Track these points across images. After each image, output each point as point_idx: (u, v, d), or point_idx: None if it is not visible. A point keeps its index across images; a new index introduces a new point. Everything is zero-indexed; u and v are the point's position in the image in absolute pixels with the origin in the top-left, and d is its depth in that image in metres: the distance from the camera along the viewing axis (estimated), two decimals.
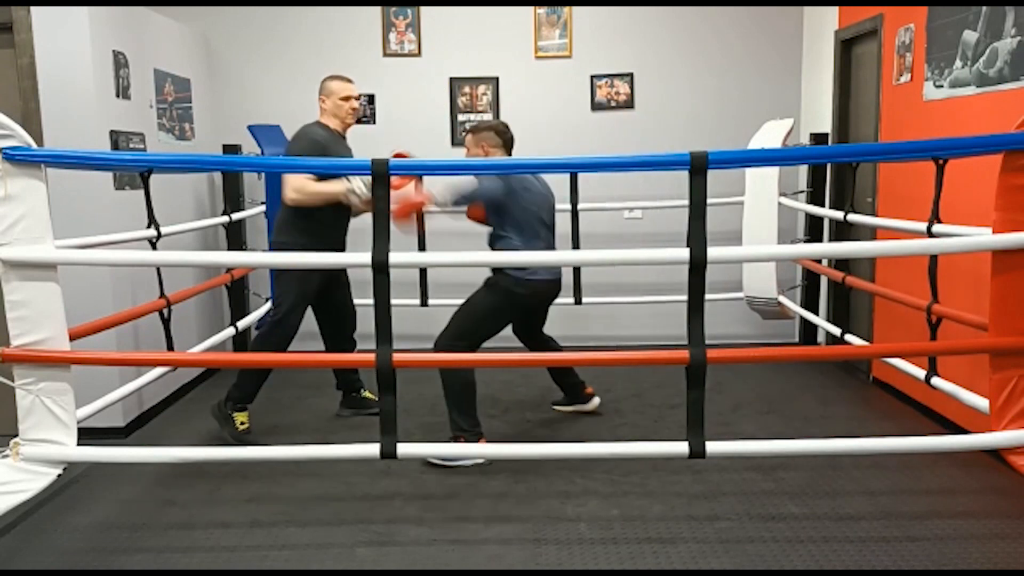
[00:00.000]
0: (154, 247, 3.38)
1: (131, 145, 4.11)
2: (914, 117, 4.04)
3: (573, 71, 5.45)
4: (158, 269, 3.48)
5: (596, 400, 4.18)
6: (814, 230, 5.14)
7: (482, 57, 5.44)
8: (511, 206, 3.51)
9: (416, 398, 4.38)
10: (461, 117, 5.48)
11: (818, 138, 5.05)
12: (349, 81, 3.85)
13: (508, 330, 5.54)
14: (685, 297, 2.69)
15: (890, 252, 3.40)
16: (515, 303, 3.62)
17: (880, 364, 4.49)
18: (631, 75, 5.45)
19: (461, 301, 5.22)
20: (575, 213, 5.04)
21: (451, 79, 5.45)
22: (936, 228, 2.99)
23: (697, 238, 2.62)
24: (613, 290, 5.27)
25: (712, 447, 2.73)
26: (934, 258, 3.07)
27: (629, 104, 5.48)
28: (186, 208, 4.82)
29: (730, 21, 5.41)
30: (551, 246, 3.72)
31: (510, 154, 3.70)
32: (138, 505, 3.18)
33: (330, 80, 3.85)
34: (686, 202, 2.67)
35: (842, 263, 4.37)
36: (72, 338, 2.79)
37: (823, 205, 4.99)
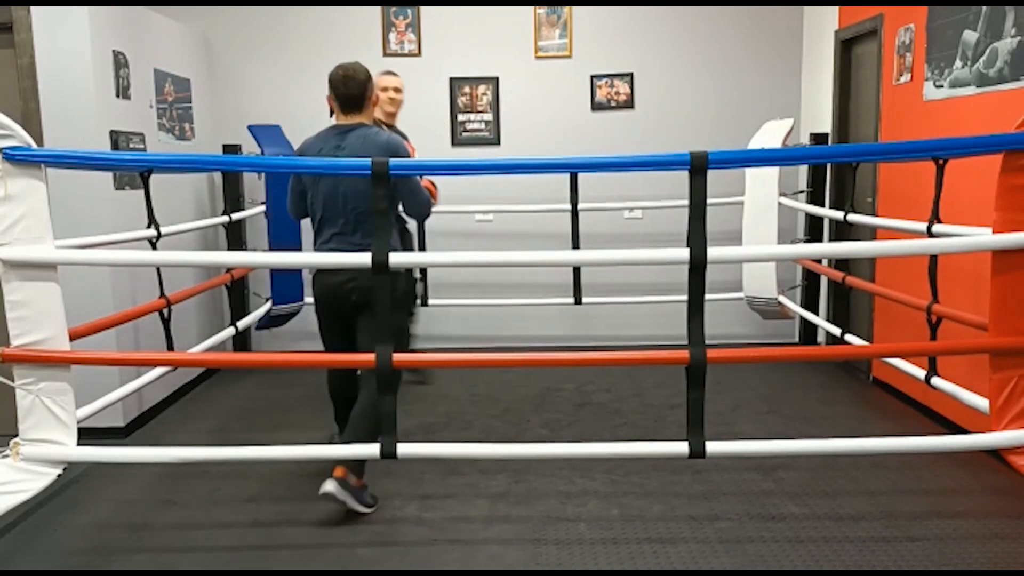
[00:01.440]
0: (154, 247, 3.38)
1: (131, 145, 4.11)
2: (914, 117, 4.04)
3: (573, 71, 5.45)
4: (158, 269, 3.48)
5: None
6: (814, 230, 5.14)
7: (482, 57, 5.44)
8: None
9: (416, 398, 4.38)
10: (461, 117, 5.48)
11: (818, 138, 5.05)
12: (387, 73, 4.18)
13: (514, 331, 5.57)
14: (685, 297, 2.69)
15: (890, 252, 3.39)
16: (317, 304, 3.20)
17: (880, 364, 4.49)
18: (631, 75, 5.45)
19: (462, 301, 5.27)
20: (575, 213, 5.04)
21: (451, 79, 5.45)
22: (936, 228, 2.99)
23: (697, 238, 2.62)
24: (613, 290, 5.27)
25: (712, 447, 2.73)
26: (934, 258, 3.07)
27: (629, 104, 5.47)
28: (186, 208, 4.82)
29: (730, 21, 5.41)
30: (336, 232, 3.06)
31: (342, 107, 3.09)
32: (138, 505, 3.18)
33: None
34: (686, 202, 2.67)
35: (842, 263, 4.37)
36: (72, 338, 2.79)
37: (823, 205, 4.99)
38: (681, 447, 2.73)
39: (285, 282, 4.90)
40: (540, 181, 5.31)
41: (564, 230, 5.07)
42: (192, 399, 4.64)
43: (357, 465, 3.04)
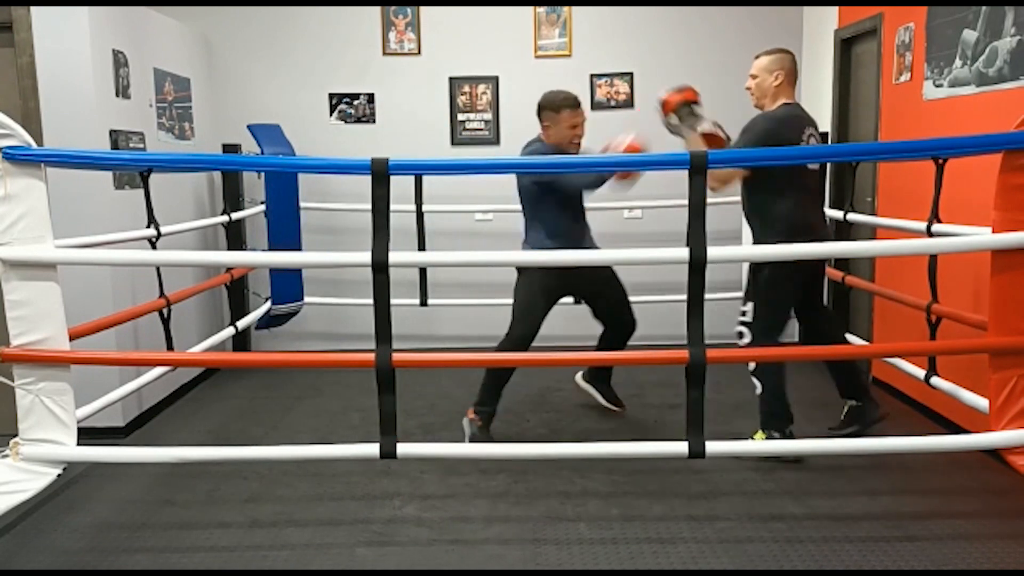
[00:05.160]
0: (154, 247, 3.38)
1: (131, 144, 4.10)
2: (914, 116, 4.04)
3: (573, 70, 5.44)
4: (158, 269, 3.48)
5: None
6: None
7: (482, 56, 5.44)
8: None
9: (416, 398, 4.38)
10: (461, 116, 5.48)
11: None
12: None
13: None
14: (685, 297, 2.69)
15: (890, 252, 3.40)
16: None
17: (880, 364, 4.48)
18: (631, 74, 5.44)
19: (461, 301, 5.25)
20: None
21: (451, 78, 5.45)
22: (936, 228, 2.99)
23: (697, 238, 2.62)
24: None
25: (712, 447, 2.73)
26: (934, 258, 3.07)
27: (629, 103, 5.47)
28: (186, 208, 4.81)
29: (730, 21, 5.40)
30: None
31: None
32: (138, 505, 3.18)
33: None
34: (686, 202, 2.67)
35: (842, 263, 4.36)
36: (72, 338, 2.79)
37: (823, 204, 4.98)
38: (681, 447, 2.73)
39: (285, 282, 4.89)
40: None
41: None
42: (192, 399, 4.63)
43: (481, 406, 3.65)
